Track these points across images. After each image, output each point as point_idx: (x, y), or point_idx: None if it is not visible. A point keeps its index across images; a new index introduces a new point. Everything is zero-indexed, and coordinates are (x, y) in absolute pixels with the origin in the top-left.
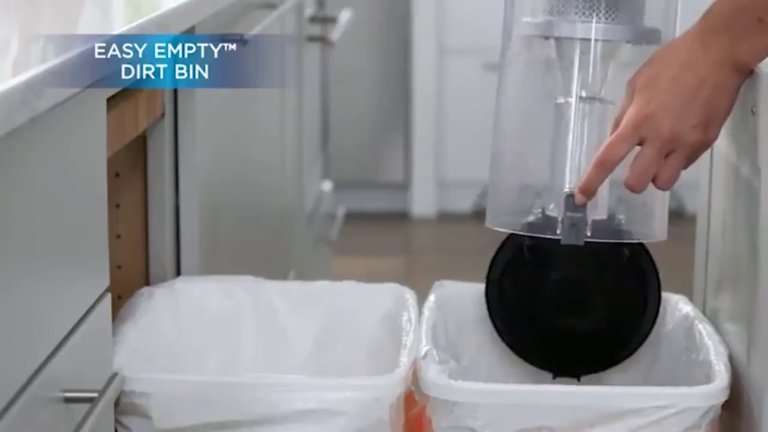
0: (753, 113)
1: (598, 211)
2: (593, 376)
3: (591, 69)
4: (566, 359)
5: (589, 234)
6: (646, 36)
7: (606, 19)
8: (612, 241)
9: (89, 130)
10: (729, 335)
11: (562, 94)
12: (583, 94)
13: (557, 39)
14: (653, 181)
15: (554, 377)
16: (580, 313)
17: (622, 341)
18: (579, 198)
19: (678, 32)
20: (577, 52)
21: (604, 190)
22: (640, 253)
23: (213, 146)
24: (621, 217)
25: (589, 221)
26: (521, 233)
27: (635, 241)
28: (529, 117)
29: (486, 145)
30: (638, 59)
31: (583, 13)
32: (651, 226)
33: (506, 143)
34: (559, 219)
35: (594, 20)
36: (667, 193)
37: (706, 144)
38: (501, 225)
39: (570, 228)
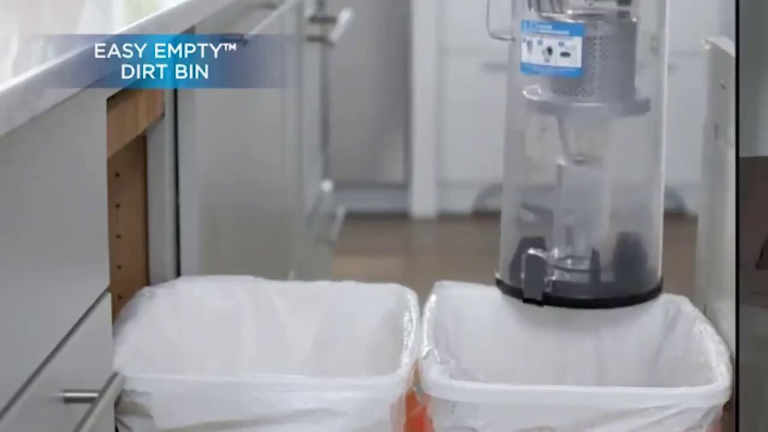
0: (753, 113)
1: (556, 273)
2: (563, 313)
3: (585, 138)
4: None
5: (549, 290)
6: (636, 109)
7: (600, 98)
8: (571, 302)
9: (89, 130)
10: (729, 336)
11: (560, 157)
12: (576, 158)
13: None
14: None
15: (523, 301)
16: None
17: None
18: None
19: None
20: (572, 126)
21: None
22: None
23: (213, 146)
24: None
25: (548, 280)
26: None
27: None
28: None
29: (486, 145)
30: (629, 124)
31: (579, 94)
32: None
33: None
34: (522, 276)
35: (590, 100)
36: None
37: None
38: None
39: (530, 284)
